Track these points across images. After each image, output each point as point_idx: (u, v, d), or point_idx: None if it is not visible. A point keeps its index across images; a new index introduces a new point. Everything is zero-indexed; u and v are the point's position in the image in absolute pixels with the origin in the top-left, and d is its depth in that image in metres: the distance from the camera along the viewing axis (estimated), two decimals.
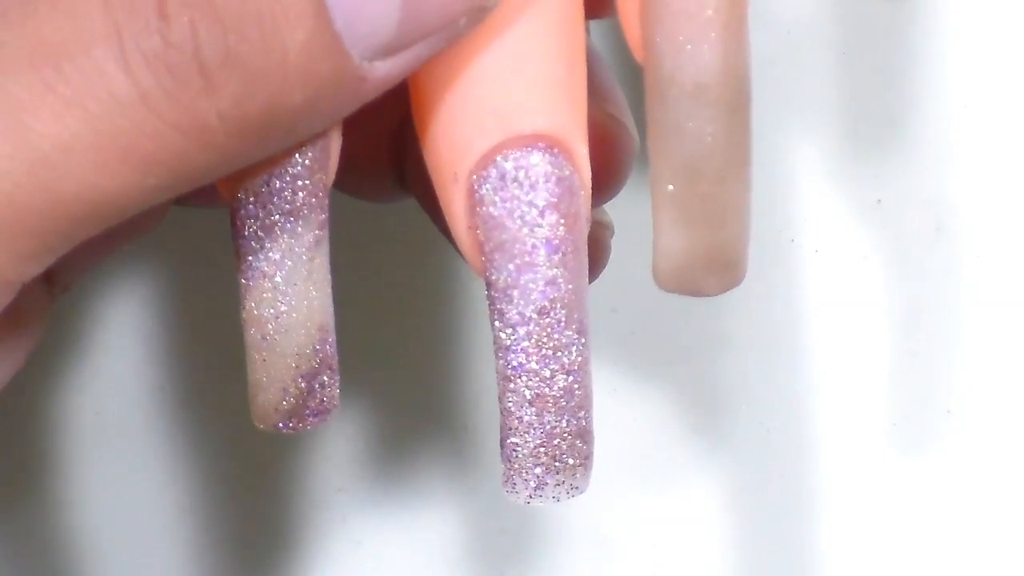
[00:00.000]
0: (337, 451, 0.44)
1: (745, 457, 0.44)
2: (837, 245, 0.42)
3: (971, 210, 0.42)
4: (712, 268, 0.27)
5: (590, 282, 0.32)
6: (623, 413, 0.44)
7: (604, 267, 0.32)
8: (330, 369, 0.28)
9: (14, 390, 0.43)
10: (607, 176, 0.30)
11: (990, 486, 0.43)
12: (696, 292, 0.27)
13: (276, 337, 0.27)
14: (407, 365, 0.44)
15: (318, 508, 0.44)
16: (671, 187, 0.26)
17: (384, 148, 0.33)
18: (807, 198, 0.42)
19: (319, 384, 0.28)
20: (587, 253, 0.27)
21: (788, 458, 0.44)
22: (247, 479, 0.44)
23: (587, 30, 0.32)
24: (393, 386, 0.44)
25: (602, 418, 0.44)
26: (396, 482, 0.44)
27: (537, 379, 0.27)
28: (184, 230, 0.35)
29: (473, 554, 0.45)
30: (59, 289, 0.33)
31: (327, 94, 0.25)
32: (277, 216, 0.27)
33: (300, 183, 0.27)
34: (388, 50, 0.25)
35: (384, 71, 0.25)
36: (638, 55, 0.27)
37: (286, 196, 0.27)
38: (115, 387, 0.44)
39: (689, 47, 0.26)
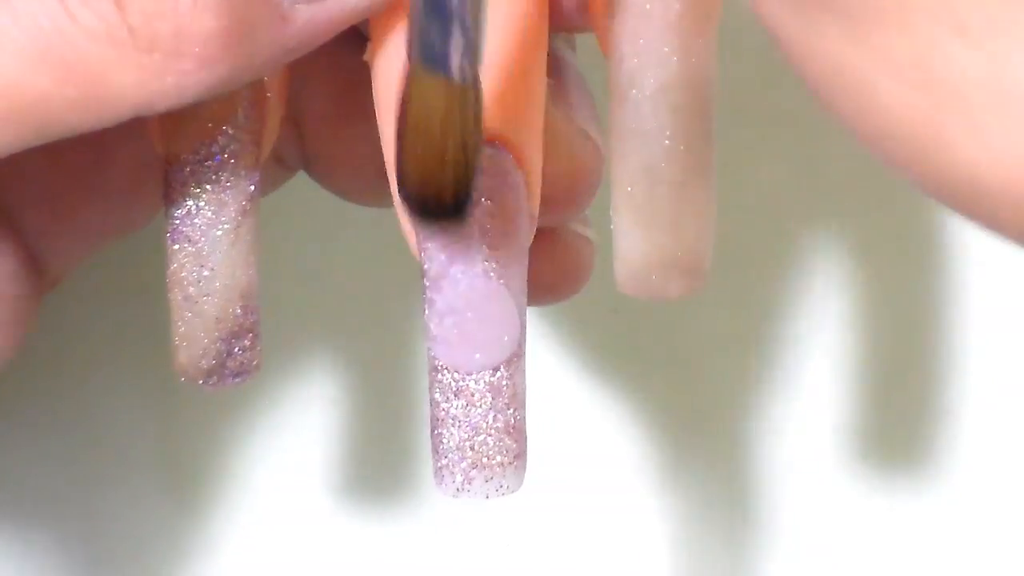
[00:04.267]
0: (338, 452, 0.44)
1: (745, 457, 0.44)
2: (837, 245, 0.42)
3: None
4: (672, 272, 0.27)
5: (570, 295, 0.32)
6: (621, 414, 0.44)
7: (585, 281, 0.32)
8: (251, 334, 0.29)
9: (8, 389, 0.44)
10: (573, 188, 0.30)
11: (989, 486, 0.43)
12: (656, 296, 0.27)
13: (197, 299, 0.28)
14: (408, 366, 0.44)
15: (318, 508, 0.44)
16: (630, 188, 0.26)
17: (383, 154, 0.33)
18: (807, 198, 0.42)
19: (239, 348, 0.29)
20: (527, 253, 0.27)
21: (788, 457, 0.44)
22: (245, 480, 0.44)
23: (574, 45, 0.32)
24: (393, 386, 0.44)
25: (600, 419, 0.44)
26: (396, 482, 0.44)
27: (463, 371, 0.27)
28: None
29: (473, 553, 0.45)
30: (47, 283, 0.33)
31: (243, 27, 0.25)
32: (205, 185, 0.28)
33: (229, 153, 0.28)
34: None
35: (307, 17, 0.26)
36: (605, 54, 0.27)
37: (213, 166, 0.28)
38: (113, 386, 0.44)
39: (650, 49, 0.26)
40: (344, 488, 0.44)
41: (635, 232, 0.26)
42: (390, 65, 0.27)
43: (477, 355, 0.27)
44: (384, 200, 0.34)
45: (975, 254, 0.42)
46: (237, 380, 0.29)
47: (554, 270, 0.31)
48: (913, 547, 0.43)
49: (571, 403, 0.43)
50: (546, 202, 0.28)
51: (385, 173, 0.33)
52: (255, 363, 0.29)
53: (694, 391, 0.44)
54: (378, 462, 0.44)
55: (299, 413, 0.43)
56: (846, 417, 0.43)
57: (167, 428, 0.44)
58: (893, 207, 0.42)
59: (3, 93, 0.25)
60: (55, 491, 0.44)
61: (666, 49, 0.26)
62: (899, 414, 0.43)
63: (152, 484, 0.44)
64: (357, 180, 0.34)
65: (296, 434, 0.44)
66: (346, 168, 0.34)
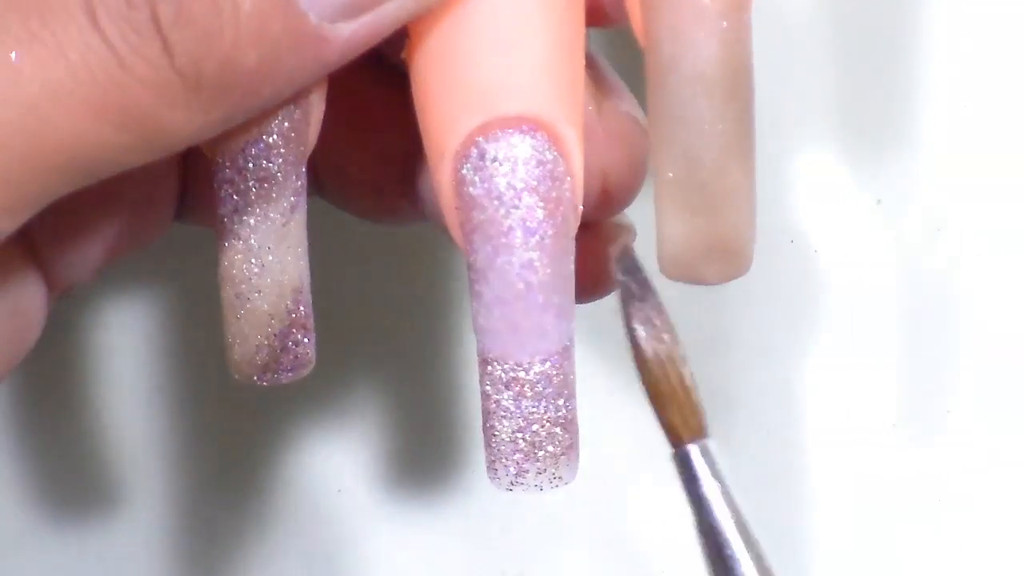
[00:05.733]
0: (336, 451, 0.44)
1: (745, 457, 0.44)
2: (837, 245, 0.42)
3: (971, 210, 0.42)
4: (714, 256, 0.27)
5: (613, 290, 0.32)
6: (622, 414, 0.44)
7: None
8: (304, 328, 0.29)
9: (12, 390, 0.43)
10: (625, 177, 0.30)
11: (989, 486, 0.43)
12: (698, 280, 0.27)
13: (249, 297, 0.28)
14: (407, 365, 0.44)
15: (317, 508, 0.44)
16: (670, 174, 0.26)
17: (395, 169, 0.33)
18: (807, 198, 0.42)
19: (292, 342, 0.29)
20: (573, 241, 0.27)
21: (787, 458, 0.44)
22: (246, 480, 0.44)
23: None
24: (393, 386, 0.44)
25: (601, 420, 0.44)
26: (395, 482, 0.44)
27: (512, 362, 0.27)
28: (182, 234, 0.36)
29: (473, 553, 0.44)
30: (57, 292, 0.33)
31: (284, 53, 0.25)
32: (252, 182, 0.28)
33: (276, 151, 0.28)
34: (349, 11, 0.26)
35: (348, 33, 0.26)
36: (641, 41, 0.27)
37: (261, 163, 0.28)
38: (115, 387, 0.43)
39: (688, 34, 0.26)
40: (346, 488, 0.44)
41: (677, 218, 0.26)
42: (432, 63, 0.27)
43: (527, 345, 0.27)
44: (399, 218, 0.34)
45: (975, 253, 0.42)
46: (291, 375, 0.29)
47: (597, 265, 0.31)
48: (916, 547, 0.44)
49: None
50: (605, 193, 0.28)
51: (396, 193, 0.33)
52: (308, 357, 0.29)
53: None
54: (380, 463, 0.44)
55: (342, 412, 0.44)
56: (845, 418, 0.43)
57: (167, 428, 0.44)
58: (894, 207, 0.42)
59: (64, 146, 0.25)
60: (55, 490, 0.44)
61: (703, 34, 0.26)
62: (902, 413, 0.43)
63: (153, 484, 0.44)
64: (369, 200, 0.34)
65: (342, 433, 0.44)
66: (356, 189, 0.34)
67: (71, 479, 0.44)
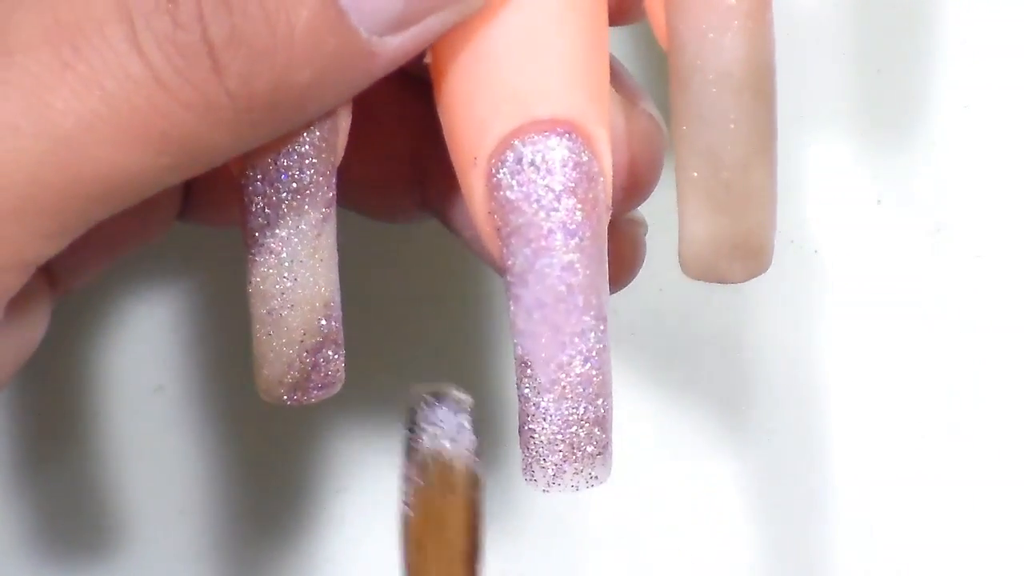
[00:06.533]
0: (336, 451, 0.44)
1: (745, 458, 0.44)
2: (837, 245, 0.43)
3: (971, 210, 0.42)
4: (736, 255, 0.27)
5: (628, 281, 0.32)
6: (622, 415, 0.44)
7: (641, 265, 0.32)
8: (335, 344, 0.28)
9: (15, 391, 0.43)
10: (646, 174, 0.30)
11: (990, 485, 0.43)
12: (721, 279, 0.27)
13: (281, 312, 0.28)
14: (407, 365, 0.44)
15: (317, 508, 0.44)
16: (695, 174, 0.26)
17: (402, 169, 0.33)
18: (807, 198, 0.42)
19: (323, 359, 0.28)
20: (606, 241, 0.27)
21: (788, 458, 0.44)
22: (246, 479, 0.44)
23: None
24: (393, 386, 0.44)
25: None
26: (396, 483, 0.44)
27: (553, 365, 0.27)
28: (185, 234, 0.36)
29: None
30: (60, 291, 0.33)
31: (335, 70, 0.25)
32: (284, 194, 0.27)
33: (307, 162, 0.27)
34: (398, 25, 0.26)
35: (396, 45, 0.26)
36: (663, 43, 0.27)
37: (293, 174, 0.27)
38: (115, 387, 0.43)
39: (712, 35, 0.26)
40: (346, 488, 0.44)
41: (700, 217, 0.27)
42: (460, 68, 0.27)
43: (568, 348, 0.27)
44: (407, 216, 0.34)
45: (975, 253, 0.42)
46: (321, 393, 0.28)
47: (613, 261, 0.31)
48: (928, 545, 0.44)
49: None
50: (626, 191, 0.28)
51: (402, 193, 0.33)
52: (339, 375, 0.28)
53: (694, 393, 0.44)
54: (380, 463, 0.44)
55: (343, 412, 0.43)
56: (845, 418, 0.43)
57: (168, 427, 0.44)
58: (894, 207, 0.42)
59: (100, 175, 0.25)
60: (55, 490, 0.44)
61: (728, 34, 0.26)
62: (902, 413, 0.43)
63: (153, 484, 0.44)
64: (374, 199, 0.34)
65: (343, 433, 0.44)
66: (360, 189, 0.34)
67: (71, 479, 0.44)
